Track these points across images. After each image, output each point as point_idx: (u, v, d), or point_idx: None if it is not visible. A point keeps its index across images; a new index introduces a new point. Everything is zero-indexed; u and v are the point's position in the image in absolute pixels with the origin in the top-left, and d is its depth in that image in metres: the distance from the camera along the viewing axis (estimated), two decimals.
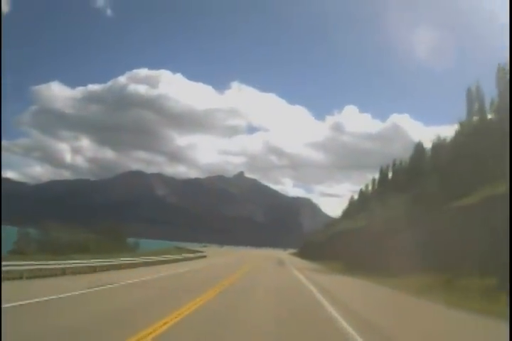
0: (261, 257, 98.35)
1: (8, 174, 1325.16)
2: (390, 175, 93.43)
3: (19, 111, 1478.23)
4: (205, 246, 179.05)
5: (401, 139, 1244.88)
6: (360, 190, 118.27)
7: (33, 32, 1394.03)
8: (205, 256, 78.77)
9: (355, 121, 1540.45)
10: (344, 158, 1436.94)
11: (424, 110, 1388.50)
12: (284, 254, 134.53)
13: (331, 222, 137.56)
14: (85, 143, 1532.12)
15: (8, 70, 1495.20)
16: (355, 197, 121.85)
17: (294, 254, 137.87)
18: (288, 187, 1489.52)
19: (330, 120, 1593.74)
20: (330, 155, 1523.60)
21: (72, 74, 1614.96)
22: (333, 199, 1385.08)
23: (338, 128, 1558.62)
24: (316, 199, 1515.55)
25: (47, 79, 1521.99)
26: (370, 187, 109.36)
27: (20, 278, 25.09)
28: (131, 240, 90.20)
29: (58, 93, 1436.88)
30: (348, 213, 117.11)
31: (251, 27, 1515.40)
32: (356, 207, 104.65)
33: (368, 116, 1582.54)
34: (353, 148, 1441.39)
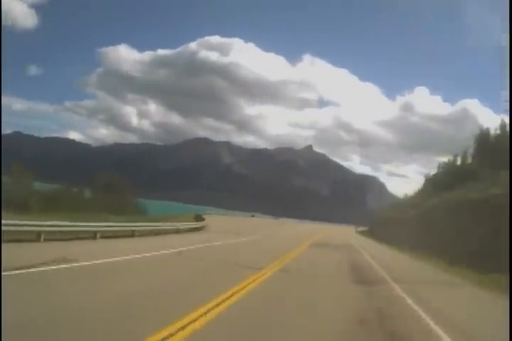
0: (320, 241, 55.75)
1: (72, 135, 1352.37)
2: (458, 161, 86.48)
3: (85, 72, 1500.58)
4: (252, 216, 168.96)
5: (469, 124, 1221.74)
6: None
7: None
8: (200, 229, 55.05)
9: (425, 102, 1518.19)
10: (412, 138, 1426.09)
11: (495, 97, 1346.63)
12: (352, 233, 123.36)
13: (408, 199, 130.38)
14: (152, 107, 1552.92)
15: (76, 32, 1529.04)
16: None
17: (364, 234, 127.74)
18: (355, 164, 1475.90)
19: (400, 100, 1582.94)
20: (398, 135, 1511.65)
21: (141, 38, 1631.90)
22: (400, 180, 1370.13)
23: (407, 108, 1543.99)
24: (383, 178, 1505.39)
25: (114, 42, 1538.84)
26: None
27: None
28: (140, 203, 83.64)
29: (126, 56, 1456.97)
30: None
31: (326, 2, 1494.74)
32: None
33: (438, 98, 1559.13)
34: (422, 129, 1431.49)
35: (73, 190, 68.04)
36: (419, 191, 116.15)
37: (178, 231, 44.62)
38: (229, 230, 58.15)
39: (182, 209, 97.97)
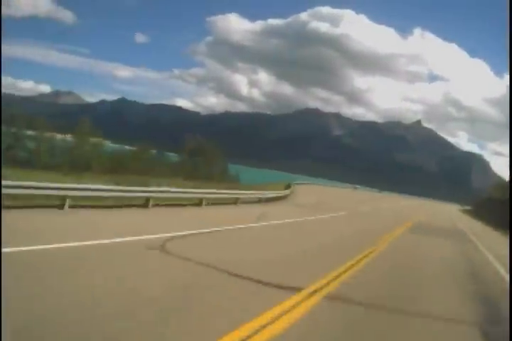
0: (423, 222, 48.41)
1: (180, 102, 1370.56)
2: None
3: (194, 40, 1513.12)
4: (355, 189, 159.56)
5: None
6: None
7: None
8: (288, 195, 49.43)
9: None
10: None
11: None
12: (458, 213, 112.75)
13: None
14: (263, 76, 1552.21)
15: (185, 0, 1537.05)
16: None
17: (470, 214, 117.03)
18: (462, 141, 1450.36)
19: (508, 78, 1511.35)
20: (506, 113, 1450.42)
21: (252, 7, 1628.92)
22: (505, 159, 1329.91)
23: None
24: (488, 156, 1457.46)
25: (224, 11, 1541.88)
26: None
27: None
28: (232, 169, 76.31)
29: (236, 25, 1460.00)
30: None
31: None
32: None
33: None
34: None
35: (151, 152, 60.96)
36: None
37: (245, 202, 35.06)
38: (316, 202, 49.38)
39: (279, 178, 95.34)
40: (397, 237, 26.06)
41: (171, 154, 70.38)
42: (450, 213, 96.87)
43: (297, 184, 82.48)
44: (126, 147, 65.34)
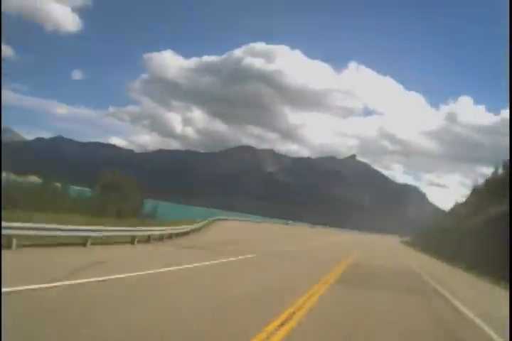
0: (362, 261, 39.45)
1: (115, 140, 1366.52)
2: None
3: (130, 78, 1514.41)
4: (287, 224, 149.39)
5: None
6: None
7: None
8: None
9: (469, 112, 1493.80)
10: (455, 148, 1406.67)
11: None
12: (400, 246, 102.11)
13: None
14: (197, 114, 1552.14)
15: (121, 37, 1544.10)
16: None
17: (412, 246, 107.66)
18: (397, 174, 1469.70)
19: (444, 109, 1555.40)
20: (441, 145, 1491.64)
21: (187, 44, 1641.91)
22: (441, 190, 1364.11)
23: (451, 117, 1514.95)
24: (424, 187, 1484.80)
25: (160, 48, 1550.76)
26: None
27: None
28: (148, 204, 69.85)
29: (171, 62, 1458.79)
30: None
31: (373, 10, 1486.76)
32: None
33: (482, 107, 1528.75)
34: (465, 139, 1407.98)
35: (53, 186, 54.60)
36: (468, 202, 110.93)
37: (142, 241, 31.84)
38: (226, 241, 42.81)
39: (207, 215, 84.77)
40: (321, 297, 15.90)
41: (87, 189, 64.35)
42: (391, 247, 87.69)
43: (220, 220, 79.91)
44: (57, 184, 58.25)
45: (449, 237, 74.39)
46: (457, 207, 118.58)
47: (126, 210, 57.50)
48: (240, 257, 27.29)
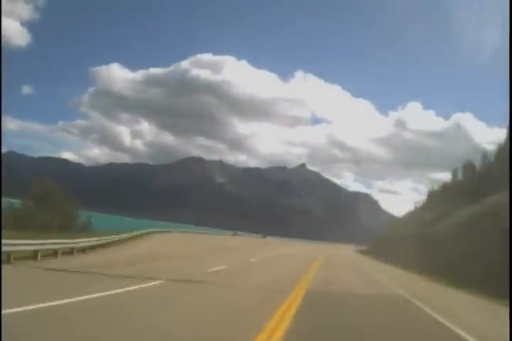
0: (320, 286, 25.78)
1: (66, 155, 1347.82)
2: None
3: (77, 92, 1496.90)
4: (234, 235, 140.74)
5: (463, 139, 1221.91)
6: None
7: (95, 12, 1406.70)
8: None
9: (419, 117, 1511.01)
10: (406, 154, 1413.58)
11: (488, 110, 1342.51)
12: (358, 257, 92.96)
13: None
14: (145, 126, 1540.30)
15: (67, 50, 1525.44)
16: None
17: (371, 255, 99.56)
18: (348, 182, 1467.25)
19: (393, 115, 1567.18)
20: (392, 152, 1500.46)
21: (133, 56, 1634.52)
22: (393, 197, 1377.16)
23: (401, 124, 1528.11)
24: (375, 195, 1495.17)
25: (106, 61, 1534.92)
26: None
27: None
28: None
29: (118, 75, 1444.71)
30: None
31: (317, 18, 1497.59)
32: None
33: (431, 113, 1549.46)
34: (415, 145, 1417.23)
35: None
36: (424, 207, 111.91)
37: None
38: (142, 256, 35.85)
39: (145, 226, 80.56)
40: None
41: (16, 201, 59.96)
42: (351, 259, 77.22)
43: (159, 232, 75.00)
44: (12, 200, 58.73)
45: (413, 245, 66.71)
46: (417, 213, 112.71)
47: (56, 223, 54.14)
48: (133, 287, 17.01)
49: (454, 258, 44.90)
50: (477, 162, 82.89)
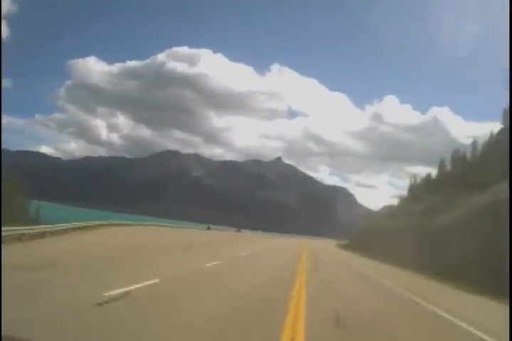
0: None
1: (44, 149, 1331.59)
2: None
3: (54, 85, 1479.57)
4: (208, 229, 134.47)
5: (440, 133, 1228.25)
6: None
7: (72, 6, 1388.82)
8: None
9: (395, 111, 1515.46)
10: (382, 148, 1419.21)
11: (465, 104, 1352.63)
12: (340, 253, 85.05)
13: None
14: (121, 120, 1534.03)
15: (44, 44, 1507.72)
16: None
17: (354, 251, 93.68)
18: (324, 175, 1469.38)
19: (370, 109, 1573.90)
20: (368, 145, 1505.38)
21: (110, 49, 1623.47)
22: (370, 190, 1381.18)
23: (377, 117, 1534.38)
24: (351, 188, 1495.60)
25: (83, 54, 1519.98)
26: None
27: None
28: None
29: (95, 68, 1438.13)
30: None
31: (294, 10, 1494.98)
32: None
33: (408, 107, 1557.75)
34: (392, 139, 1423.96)
35: None
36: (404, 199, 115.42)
37: None
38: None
39: (106, 218, 76.27)
40: None
41: None
42: (338, 257, 68.50)
43: (120, 225, 70.39)
44: None
45: (406, 239, 61.14)
46: (402, 205, 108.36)
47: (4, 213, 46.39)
48: None
49: (463, 255, 39.70)
50: (468, 152, 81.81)
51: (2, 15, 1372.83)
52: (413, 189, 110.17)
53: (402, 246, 60.84)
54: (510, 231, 27.96)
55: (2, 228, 28.32)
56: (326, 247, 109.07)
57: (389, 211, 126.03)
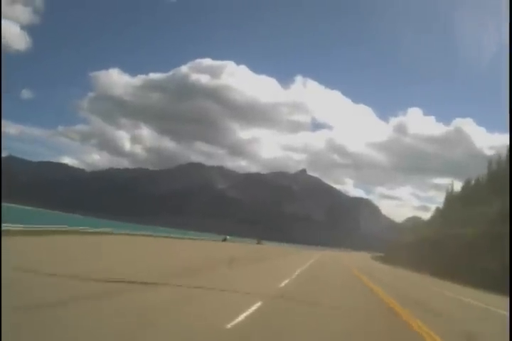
0: None
1: (66, 160, 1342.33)
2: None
3: (77, 96, 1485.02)
4: (224, 240, 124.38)
5: (464, 144, 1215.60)
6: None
7: (95, 17, 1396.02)
8: None
9: (419, 123, 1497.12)
10: (406, 160, 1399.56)
11: (488, 115, 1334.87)
12: (379, 265, 74.64)
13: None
14: (145, 132, 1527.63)
15: (66, 55, 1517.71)
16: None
17: (392, 263, 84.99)
18: (349, 187, 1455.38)
19: (394, 121, 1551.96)
20: (392, 157, 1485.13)
21: (133, 62, 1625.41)
22: (394, 202, 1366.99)
23: (401, 129, 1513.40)
24: (376, 200, 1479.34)
25: (106, 66, 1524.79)
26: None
27: None
28: None
29: (118, 80, 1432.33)
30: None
31: (319, 23, 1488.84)
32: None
33: (431, 118, 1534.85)
34: (416, 150, 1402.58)
35: None
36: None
37: None
38: None
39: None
40: None
41: None
42: (393, 274, 57.59)
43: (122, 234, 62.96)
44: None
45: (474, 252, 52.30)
46: (445, 214, 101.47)
47: None
48: None
49: None
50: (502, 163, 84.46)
51: (23, 26, 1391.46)
52: (450, 200, 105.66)
53: (462, 259, 53.52)
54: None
55: None
56: (364, 261, 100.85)
57: (426, 222, 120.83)
